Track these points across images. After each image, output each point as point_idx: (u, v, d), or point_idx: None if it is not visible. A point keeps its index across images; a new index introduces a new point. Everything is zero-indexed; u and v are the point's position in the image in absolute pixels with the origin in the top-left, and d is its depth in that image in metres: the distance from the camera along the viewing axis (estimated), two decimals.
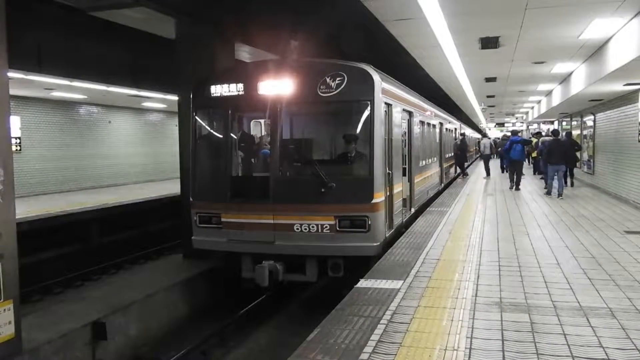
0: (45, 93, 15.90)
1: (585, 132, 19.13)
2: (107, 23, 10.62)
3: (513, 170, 16.86)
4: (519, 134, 21.82)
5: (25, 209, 12.81)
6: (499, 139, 30.97)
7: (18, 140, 16.25)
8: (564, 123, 23.95)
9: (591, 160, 17.47)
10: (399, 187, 9.39)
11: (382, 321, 4.68)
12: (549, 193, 14.94)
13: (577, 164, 18.38)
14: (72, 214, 12.79)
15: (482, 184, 19.26)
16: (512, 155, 16.72)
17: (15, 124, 15.83)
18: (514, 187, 16.44)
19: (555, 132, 16.11)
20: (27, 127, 16.83)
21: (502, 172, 20.63)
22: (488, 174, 22.25)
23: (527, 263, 6.88)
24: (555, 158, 14.54)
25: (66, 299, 8.69)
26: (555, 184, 14.63)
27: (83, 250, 12.89)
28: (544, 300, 5.27)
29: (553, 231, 9.25)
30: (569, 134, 18.89)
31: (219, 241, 8.17)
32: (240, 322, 8.62)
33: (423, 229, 9.50)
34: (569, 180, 17.02)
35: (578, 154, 17.61)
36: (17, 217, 5.62)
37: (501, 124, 50.56)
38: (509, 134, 22.71)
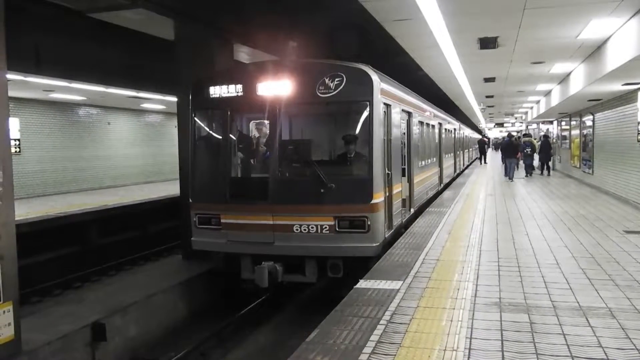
0: (44, 95, 15.90)
1: (564, 133, 24.41)
2: (106, 24, 10.61)
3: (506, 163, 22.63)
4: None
5: (25, 211, 12.81)
6: (498, 139, 38.42)
7: (17, 142, 16.24)
8: (564, 123, 23.97)
9: (590, 160, 17.50)
10: (399, 187, 9.39)
11: (381, 322, 4.68)
12: (510, 179, 20.37)
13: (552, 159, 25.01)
14: (71, 215, 12.78)
15: (481, 184, 19.28)
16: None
17: (14, 125, 15.83)
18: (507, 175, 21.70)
19: (509, 135, 24.61)
20: (26, 128, 16.82)
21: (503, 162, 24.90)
22: None
23: (527, 263, 6.88)
24: (509, 153, 21.15)
25: (65, 301, 8.67)
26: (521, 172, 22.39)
27: (82, 252, 12.87)
28: (544, 301, 5.27)
29: (552, 231, 9.25)
30: (545, 136, 24.89)
31: (218, 242, 8.16)
32: (239, 323, 8.62)
33: (422, 229, 9.51)
34: (539, 169, 23.53)
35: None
36: (16, 219, 5.62)
37: (500, 124, 50.69)
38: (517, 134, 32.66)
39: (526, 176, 22.22)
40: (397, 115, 9.37)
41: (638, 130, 11.94)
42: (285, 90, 7.87)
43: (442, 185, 17.52)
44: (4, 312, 5.21)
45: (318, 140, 9.19)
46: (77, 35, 11.63)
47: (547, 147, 23.21)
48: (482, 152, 35.79)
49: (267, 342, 8.00)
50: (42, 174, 17.62)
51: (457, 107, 28.70)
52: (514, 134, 30.65)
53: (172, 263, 10.70)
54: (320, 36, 12.23)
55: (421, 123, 12.70)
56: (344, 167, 8.21)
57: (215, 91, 8.32)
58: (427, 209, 12.26)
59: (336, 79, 7.64)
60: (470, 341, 4.21)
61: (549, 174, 22.98)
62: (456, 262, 6.92)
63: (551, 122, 28.56)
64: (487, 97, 21.83)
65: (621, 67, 9.02)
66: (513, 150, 21.32)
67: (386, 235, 8.21)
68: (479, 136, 52.42)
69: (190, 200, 8.54)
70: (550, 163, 23.90)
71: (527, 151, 22.53)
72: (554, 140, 26.88)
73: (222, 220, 8.08)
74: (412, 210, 11.01)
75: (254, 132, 9.23)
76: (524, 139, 24.41)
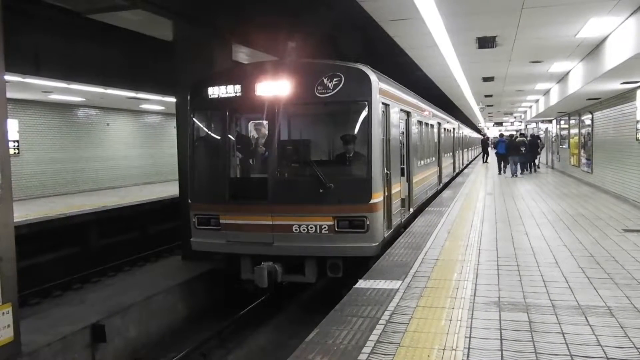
0: (43, 96, 15.89)
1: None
2: (105, 26, 10.63)
3: (499, 160, 24.64)
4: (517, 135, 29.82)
5: (24, 212, 12.80)
6: (496, 138, 39.31)
7: (16, 144, 16.22)
8: (563, 122, 24.02)
9: (590, 159, 17.51)
10: (398, 187, 9.39)
11: (380, 321, 4.68)
12: (514, 175, 22.03)
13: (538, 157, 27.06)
14: (70, 216, 12.78)
15: (480, 184, 19.29)
16: (499, 150, 24.46)
17: (13, 127, 15.82)
18: (501, 172, 23.76)
19: (508, 135, 26.90)
20: (25, 130, 16.80)
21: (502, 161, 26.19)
22: None
23: (526, 262, 6.88)
24: (511, 151, 22.70)
25: (65, 302, 8.68)
26: (520, 169, 23.29)
27: (82, 253, 12.87)
28: (543, 300, 5.27)
29: (552, 230, 9.25)
30: (534, 136, 27.39)
31: (218, 243, 8.17)
32: (239, 323, 8.63)
33: (422, 228, 9.50)
34: (528, 167, 24.83)
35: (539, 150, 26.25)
36: (15, 220, 5.62)
37: (499, 123, 50.79)
38: (508, 133, 32.46)
39: (521, 173, 23.24)
40: (395, 115, 9.37)
41: (637, 129, 11.95)
42: (283, 91, 7.87)
43: (441, 184, 17.53)
44: (3, 313, 5.21)
45: (317, 141, 9.20)
46: (76, 36, 11.63)
47: (535, 147, 24.78)
48: (485, 151, 36.25)
49: (268, 342, 8.01)
50: (41, 176, 17.60)
51: (456, 106, 28.72)
52: (512, 133, 32.13)
53: (172, 264, 10.70)
54: (319, 36, 12.22)
55: (420, 123, 12.70)
56: (342, 167, 8.22)
57: (214, 92, 8.32)
58: (426, 209, 12.26)
59: (335, 79, 7.65)
60: (470, 340, 4.21)
61: (530, 172, 24.76)
62: (455, 262, 6.92)
63: (550, 121, 28.61)
64: (486, 96, 21.83)
65: (620, 65, 9.03)
66: (515, 148, 22.56)
67: (385, 235, 8.22)
68: (478, 135, 53.11)
69: (190, 201, 8.55)
70: (536, 161, 25.97)
71: (521, 150, 23.41)
72: (553, 139, 27.63)
73: (222, 221, 8.08)
74: (412, 210, 11.01)
75: (253, 133, 9.23)
76: (519, 139, 24.97)
